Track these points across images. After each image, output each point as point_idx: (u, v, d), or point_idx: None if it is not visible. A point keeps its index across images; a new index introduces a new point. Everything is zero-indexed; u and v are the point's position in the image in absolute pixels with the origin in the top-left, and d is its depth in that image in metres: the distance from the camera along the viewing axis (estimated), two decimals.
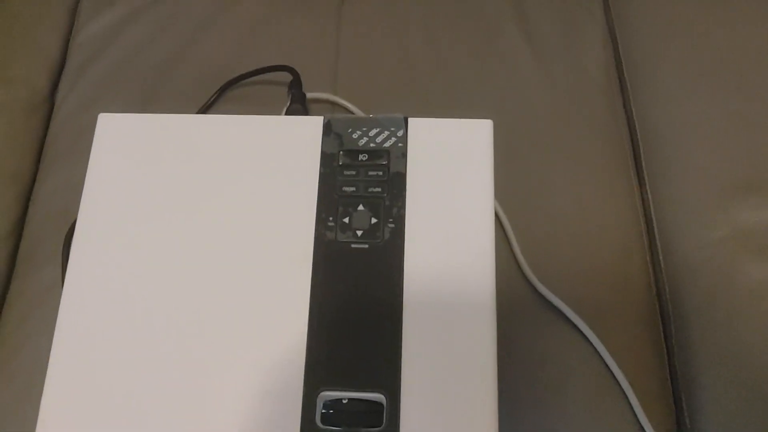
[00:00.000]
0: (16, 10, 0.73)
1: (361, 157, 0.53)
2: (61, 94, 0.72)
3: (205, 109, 0.67)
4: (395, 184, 0.52)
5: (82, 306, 0.49)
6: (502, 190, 0.63)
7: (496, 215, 0.62)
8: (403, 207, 0.51)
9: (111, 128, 0.55)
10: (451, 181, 0.52)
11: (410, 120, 0.54)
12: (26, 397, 0.58)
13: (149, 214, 0.52)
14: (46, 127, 0.71)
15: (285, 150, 0.53)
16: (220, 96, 0.67)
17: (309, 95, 0.64)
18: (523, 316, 0.59)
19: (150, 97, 0.69)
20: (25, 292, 0.62)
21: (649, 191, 0.67)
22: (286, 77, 0.66)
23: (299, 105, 0.61)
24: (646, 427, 0.56)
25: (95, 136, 0.54)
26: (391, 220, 0.51)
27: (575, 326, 0.59)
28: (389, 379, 0.47)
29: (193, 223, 0.51)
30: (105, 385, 0.47)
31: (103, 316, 0.49)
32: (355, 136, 0.53)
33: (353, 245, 0.50)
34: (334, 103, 0.67)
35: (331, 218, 0.51)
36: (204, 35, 0.73)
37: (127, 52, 0.72)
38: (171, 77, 0.70)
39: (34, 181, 0.68)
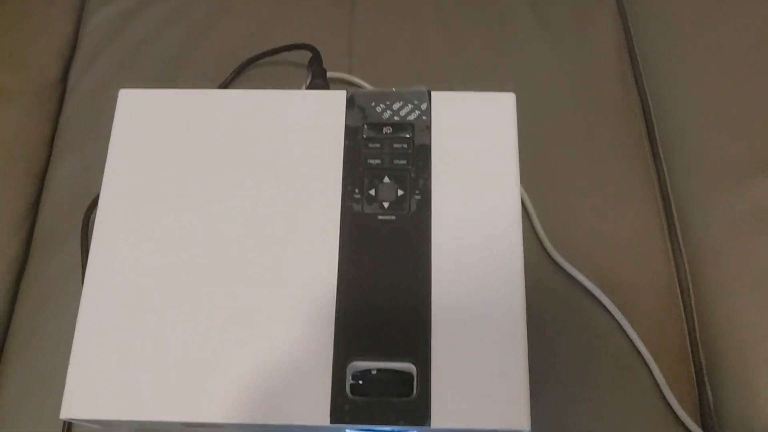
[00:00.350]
0: None
1: (385, 130, 0.53)
2: (73, 79, 0.71)
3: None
4: (420, 157, 0.52)
5: (107, 278, 0.49)
6: (522, 168, 0.63)
7: None
8: (428, 179, 0.51)
9: (132, 104, 0.54)
10: (476, 153, 0.52)
11: (433, 93, 0.54)
12: (45, 378, 0.57)
13: (173, 187, 0.51)
14: (59, 113, 0.70)
15: (309, 124, 0.53)
16: (237, 77, 0.67)
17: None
18: (546, 290, 0.59)
19: (165, 81, 0.69)
20: (41, 276, 0.61)
21: (665, 169, 0.67)
22: (303, 58, 0.66)
23: (320, 80, 0.61)
24: (670, 400, 0.56)
25: (116, 111, 0.54)
26: (417, 191, 0.51)
27: (598, 300, 0.59)
28: (419, 348, 0.46)
29: (217, 197, 0.51)
30: (132, 357, 0.47)
31: (129, 289, 0.48)
32: (378, 109, 0.53)
33: (380, 217, 0.50)
34: (350, 83, 0.67)
35: (357, 190, 0.51)
36: (217, 19, 0.72)
37: (140, 37, 0.72)
38: (185, 61, 0.70)
39: (47, 166, 0.67)
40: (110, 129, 0.53)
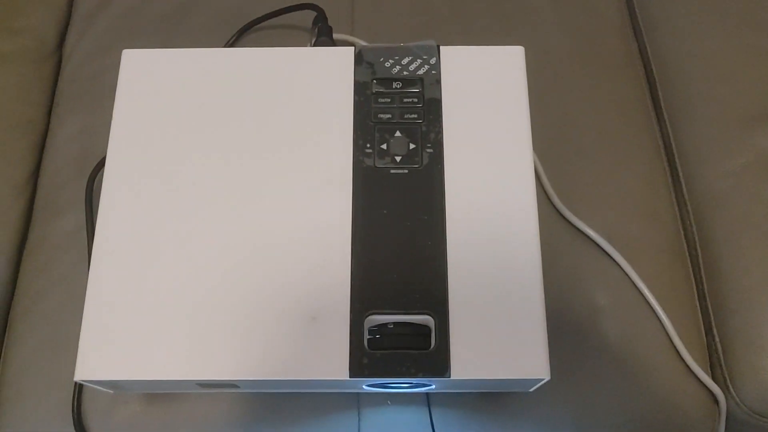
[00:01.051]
0: None
1: (395, 84, 0.52)
2: (70, 43, 0.70)
3: None
4: (431, 110, 0.51)
5: (116, 240, 0.48)
6: None
7: None
8: (440, 132, 0.51)
9: (136, 64, 0.53)
10: (487, 106, 0.52)
11: (442, 48, 0.53)
12: (54, 342, 0.56)
13: (182, 146, 0.51)
14: (57, 77, 0.69)
15: (317, 80, 0.53)
16: (238, 40, 0.66)
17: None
18: (556, 245, 0.59)
19: (163, 45, 0.68)
20: (46, 240, 0.60)
21: (668, 125, 0.67)
22: (304, 21, 0.65)
23: (327, 38, 0.60)
24: (680, 350, 0.57)
25: (120, 72, 0.53)
26: (429, 145, 0.50)
27: (607, 254, 0.59)
28: (436, 300, 0.46)
29: (228, 154, 0.50)
30: (145, 317, 0.46)
31: (139, 249, 0.48)
32: (387, 65, 0.53)
33: (392, 171, 0.50)
34: (354, 45, 0.66)
35: (368, 145, 0.50)
36: None
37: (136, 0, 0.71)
38: (183, 24, 0.69)
39: (47, 131, 0.66)
40: (109, 92, 0.52)
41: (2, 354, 0.58)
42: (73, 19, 0.71)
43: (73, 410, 0.54)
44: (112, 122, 0.51)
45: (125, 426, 0.55)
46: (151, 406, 0.55)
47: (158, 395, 0.55)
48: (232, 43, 0.65)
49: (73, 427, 0.54)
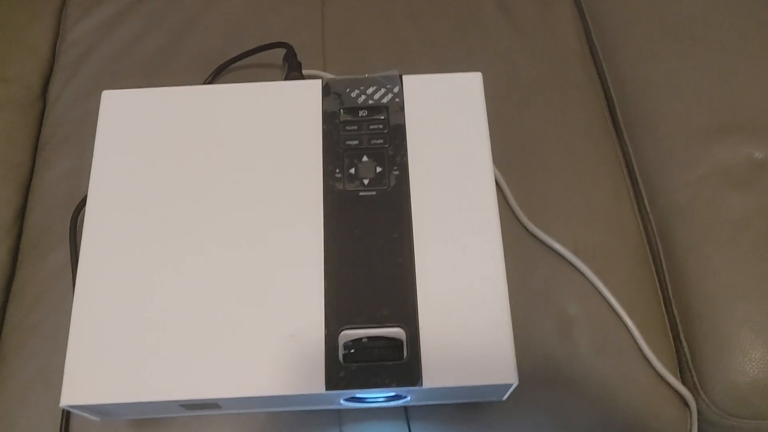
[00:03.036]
0: (5, 14, 0.75)
1: (361, 113, 0.55)
2: (55, 89, 0.73)
3: None
4: (396, 135, 0.54)
5: (99, 268, 0.50)
6: (493, 150, 0.65)
7: None
8: (405, 155, 0.54)
9: (115, 104, 0.56)
10: (449, 129, 0.55)
11: (404, 77, 0.57)
12: (45, 376, 0.58)
13: (160, 178, 0.53)
14: (41, 122, 0.72)
15: (287, 112, 0.56)
16: (215, 80, 0.69)
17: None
18: (525, 261, 0.61)
19: (146, 87, 0.71)
20: (34, 278, 0.62)
21: (628, 141, 0.70)
22: (279, 59, 0.68)
23: (296, 72, 0.64)
24: (648, 357, 0.59)
25: (100, 112, 0.56)
26: (395, 167, 0.53)
27: (574, 267, 0.61)
28: (407, 313, 0.49)
29: (205, 187, 0.53)
30: (128, 342, 0.48)
31: (121, 276, 0.50)
32: (353, 95, 0.56)
33: (361, 193, 0.52)
34: (322, 78, 0.69)
35: (337, 170, 0.53)
36: (193, 25, 0.75)
37: (118, 47, 0.74)
38: (164, 68, 0.72)
39: (32, 173, 0.69)
40: (93, 135, 0.55)
41: None
42: (56, 66, 0.75)
43: None
44: (93, 158, 0.54)
45: None
46: None
47: (145, 422, 0.57)
48: (209, 83, 0.69)
49: None
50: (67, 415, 0.56)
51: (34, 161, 0.70)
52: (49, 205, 0.65)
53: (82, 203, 0.61)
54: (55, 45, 0.77)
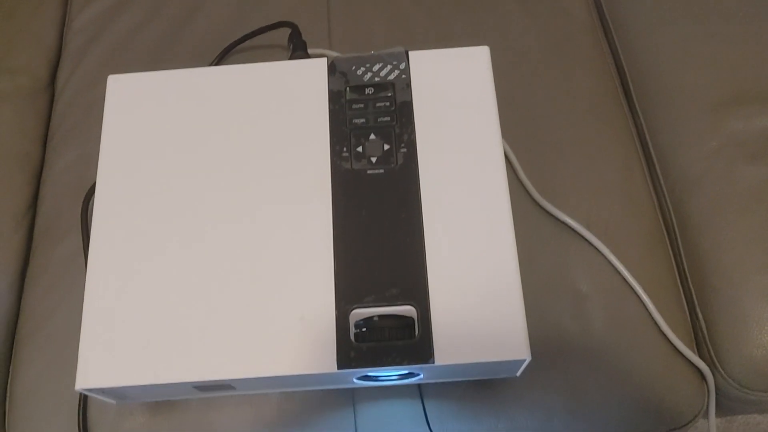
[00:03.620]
0: (10, 3, 0.75)
1: (367, 91, 0.55)
2: (62, 78, 0.73)
3: None
4: (403, 113, 0.54)
5: (110, 251, 0.51)
6: (503, 126, 0.64)
7: None
8: (413, 132, 0.53)
9: (121, 88, 0.56)
10: (456, 104, 0.54)
11: (411, 53, 0.56)
12: (60, 362, 0.59)
13: (168, 160, 0.53)
14: (50, 111, 0.72)
15: (293, 92, 0.55)
16: (221, 62, 0.69)
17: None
18: (537, 236, 0.61)
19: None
20: (47, 265, 0.63)
21: (641, 114, 0.69)
22: (284, 39, 0.68)
23: (301, 52, 0.63)
24: (664, 330, 0.58)
25: (106, 96, 0.56)
26: (403, 145, 0.53)
27: (588, 242, 0.61)
28: (418, 291, 0.48)
29: (213, 165, 0.53)
30: (141, 324, 0.48)
31: (132, 259, 0.50)
32: (359, 72, 0.55)
33: (369, 171, 0.52)
34: (327, 56, 0.69)
35: (345, 149, 0.53)
36: (198, 8, 0.74)
37: (123, 33, 0.74)
38: (170, 53, 0.72)
39: (43, 162, 0.69)
40: (101, 122, 0.55)
41: (10, 375, 0.60)
42: (63, 55, 0.75)
43: (79, 425, 0.56)
44: (101, 143, 0.54)
45: None
46: (156, 416, 0.57)
47: (162, 406, 0.57)
48: (215, 65, 0.68)
49: None
50: (84, 399, 0.57)
51: (45, 150, 0.70)
52: (60, 193, 0.66)
53: (93, 189, 0.62)
54: (62, 33, 0.77)
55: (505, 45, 0.71)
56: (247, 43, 0.69)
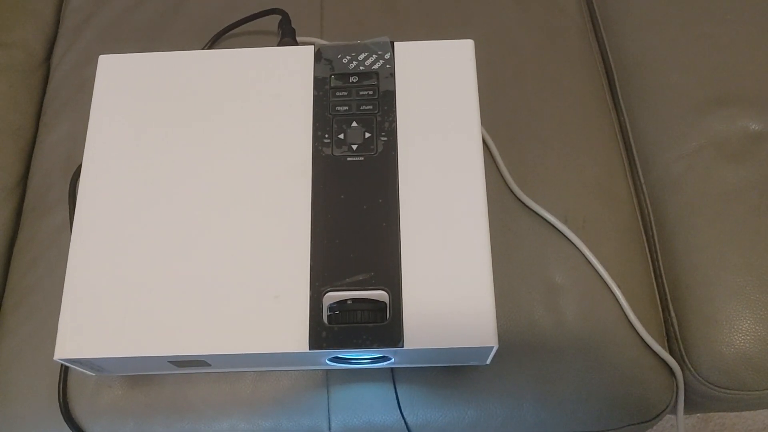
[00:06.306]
0: None
1: (351, 79, 0.56)
2: (58, 55, 0.74)
3: None
4: (386, 102, 0.55)
5: (93, 225, 0.52)
6: (488, 119, 0.66)
7: (482, 140, 0.64)
8: (394, 121, 0.54)
9: (111, 68, 0.57)
10: (438, 96, 0.55)
11: (396, 43, 0.57)
12: (43, 333, 0.60)
13: (153, 140, 0.54)
14: (44, 87, 0.73)
15: (279, 77, 0.56)
16: (212, 47, 0.70)
17: (298, 39, 0.67)
18: (516, 229, 0.62)
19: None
20: (34, 238, 0.64)
21: (625, 112, 0.70)
22: (274, 25, 0.69)
23: (290, 38, 0.64)
24: (636, 327, 0.59)
25: (96, 76, 0.57)
26: (383, 134, 0.54)
27: (565, 237, 0.61)
28: (391, 276, 0.49)
29: (196, 149, 0.54)
30: (120, 298, 0.50)
31: (114, 233, 0.51)
32: (344, 61, 0.56)
33: (349, 158, 0.53)
34: (315, 44, 0.69)
35: (326, 135, 0.54)
36: None
37: (118, 13, 0.75)
38: (164, 35, 0.73)
39: (35, 137, 0.70)
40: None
41: None
42: (60, 31, 0.76)
43: (59, 394, 0.58)
44: (89, 121, 0.55)
45: (109, 409, 0.58)
46: (133, 389, 0.58)
47: (140, 380, 0.58)
48: (206, 49, 0.69)
49: (60, 411, 0.57)
50: (65, 370, 0.58)
51: (38, 125, 0.71)
52: (50, 168, 0.67)
53: (81, 166, 0.63)
54: (60, 10, 0.78)
55: (495, 38, 0.72)
56: (240, 28, 0.70)
